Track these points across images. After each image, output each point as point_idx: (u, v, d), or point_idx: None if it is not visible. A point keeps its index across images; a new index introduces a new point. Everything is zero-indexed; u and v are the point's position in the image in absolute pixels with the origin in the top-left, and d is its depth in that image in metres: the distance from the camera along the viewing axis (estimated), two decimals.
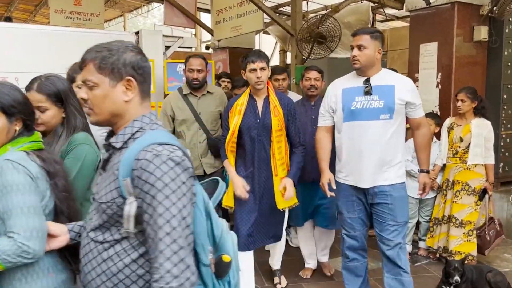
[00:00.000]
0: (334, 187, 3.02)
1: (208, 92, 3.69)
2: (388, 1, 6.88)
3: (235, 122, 3.08)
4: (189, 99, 3.63)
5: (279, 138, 3.10)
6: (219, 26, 7.43)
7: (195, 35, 10.42)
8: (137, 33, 4.88)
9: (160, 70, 4.78)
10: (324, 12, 7.42)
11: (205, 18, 9.10)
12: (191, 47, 6.03)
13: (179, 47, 5.23)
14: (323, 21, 6.01)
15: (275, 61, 10.03)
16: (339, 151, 3.00)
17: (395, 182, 2.85)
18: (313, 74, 3.76)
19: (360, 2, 7.10)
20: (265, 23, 7.05)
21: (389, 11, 8.00)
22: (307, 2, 7.48)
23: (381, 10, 7.35)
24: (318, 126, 3.13)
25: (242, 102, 3.14)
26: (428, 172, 3.02)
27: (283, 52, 9.64)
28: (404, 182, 2.92)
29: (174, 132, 3.69)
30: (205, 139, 3.60)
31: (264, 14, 6.36)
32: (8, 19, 11.19)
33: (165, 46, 5.02)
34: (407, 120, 2.94)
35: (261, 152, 3.11)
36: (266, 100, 3.12)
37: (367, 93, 2.81)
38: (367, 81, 2.83)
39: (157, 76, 4.68)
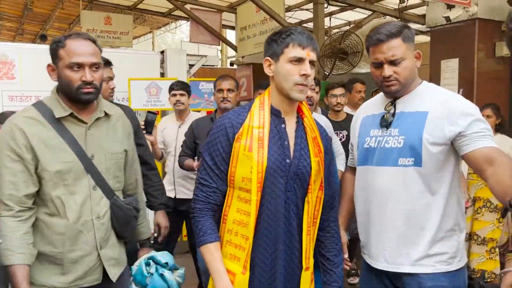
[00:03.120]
0: (345, 255, 2.00)
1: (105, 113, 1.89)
2: (411, 16, 6.90)
3: (258, 161, 1.57)
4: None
5: (317, 195, 1.70)
6: (243, 42, 7.60)
7: (221, 51, 10.65)
8: (162, 52, 5.08)
9: None
10: (347, 27, 7.50)
11: (230, 34, 9.31)
12: (214, 65, 6.19)
13: (203, 65, 5.40)
14: (345, 37, 6.08)
15: None
16: (358, 204, 2.01)
17: (428, 271, 1.75)
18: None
19: (383, 17, 7.13)
20: None
21: (413, 25, 8.00)
22: (330, 18, 7.56)
23: None
24: (347, 165, 2.22)
25: (261, 121, 1.62)
26: None
27: None
28: (455, 272, 1.77)
29: None
30: (107, 208, 1.82)
31: None
32: (43, 37, 11.75)
33: (189, 65, 5.20)
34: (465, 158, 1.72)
35: (284, 227, 1.63)
36: (300, 123, 1.70)
37: (384, 124, 1.84)
38: (390, 105, 1.86)
39: None
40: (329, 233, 1.77)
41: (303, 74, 1.55)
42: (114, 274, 1.82)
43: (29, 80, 4.00)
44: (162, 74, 5.04)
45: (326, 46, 6.20)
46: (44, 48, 4.78)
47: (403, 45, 1.75)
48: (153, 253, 1.98)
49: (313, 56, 1.57)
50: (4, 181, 1.67)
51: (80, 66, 1.71)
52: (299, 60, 1.56)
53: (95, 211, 1.76)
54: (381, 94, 1.96)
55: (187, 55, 5.03)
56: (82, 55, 1.71)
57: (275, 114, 1.65)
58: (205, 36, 7.69)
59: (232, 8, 7.81)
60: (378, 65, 1.78)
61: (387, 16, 7.02)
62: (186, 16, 7.89)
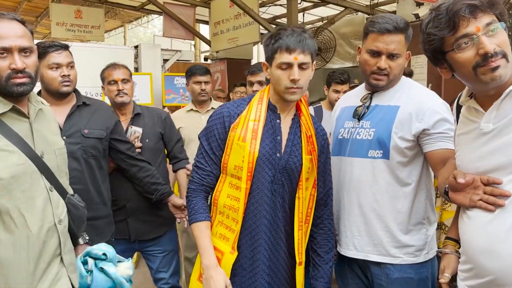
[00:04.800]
0: None
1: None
2: (382, 13, 7.05)
3: (250, 151, 1.65)
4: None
5: (310, 192, 1.77)
6: (217, 37, 7.59)
7: (194, 46, 10.59)
8: (136, 47, 5.03)
9: (158, 83, 4.91)
10: (320, 23, 7.60)
11: (204, 29, 9.28)
12: (189, 60, 6.17)
13: (177, 60, 5.38)
14: (318, 33, 6.17)
15: None
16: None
17: (395, 262, 1.79)
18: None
19: (355, 13, 7.26)
20: (262, 34, 7.21)
21: None
22: (303, 14, 7.64)
23: None
24: None
25: (257, 115, 1.70)
26: None
27: None
28: (422, 263, 1.81)
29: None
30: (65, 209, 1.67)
31: (261, 26, 6.51)
32: None
33: (164, 60, 5.17)
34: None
35: (268, 217, 1.70)
36: (296, 121, 1.76)
37: (356, 116, 1.88)
38: (367, 97, 1.89)
39: (155, 89, 4.82)
40: (322, 230, 1.82)
41: (292, 79, 1.61)
42: (76, 281, 1.62)
43: None
44: (136, 69, 5.01)
45: None
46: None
47: (404, 42, 1.76)
48: (87, 248, 1.74)
49: (302, 58, 1.60)
50: None
51: (7, 51, 1.43)
52: (288, 65, 1.61)
53: (57, 215, 1.56)
54: (362, 86, 1.97)
55: (162, 49, 5.01)
56: (8, 37, 1.42)
57: (272, 109, 1.73)
58: (179, 30, 7.63)
59: (205, 3, 7.78)
60: (376, 54, 1.75)
61: (359, 13, 7.15)
62: (159, 10, 7.81)
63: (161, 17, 8.31)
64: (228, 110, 1.73)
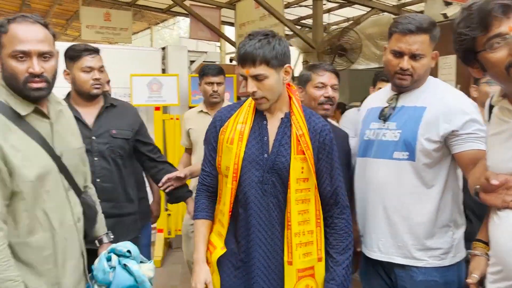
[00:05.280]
0: None
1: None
2: (410, 13, 6.94)
3: (236, 153, 1.69)
4: None
5: (305, 194, 1.70)
6: (242, 39, 7.62)
7: (219, 47, 10.67)
8: (163, 48, 5.11)
9: (185, 84, 4.98)
10: (346, 24, 7.54)
11: (229, 31, 9.33)
12: (215, 61, 6.22)
13: (204, 61, 5.44)
14: (344, 34, 6.13)
15: (298, 72, 10.14)
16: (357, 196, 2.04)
17: (419, 265, 1.77)
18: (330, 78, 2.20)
19: (381, 14, 7.17)
20: (287, 35, 7.21)
21: None
22: (329, 15, 7.60)
23: None
24: None
25: (245, 118, 1.74)
26: None
27: (306, 63, 9.77)
28: (448, 267, 1.78)
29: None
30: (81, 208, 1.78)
31: (286, 27, 6.52)
32: None
33: (190, 61, 5.23)
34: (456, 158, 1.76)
35: (262, 216, 1.71)
36: (286, 121, 1.73)
37: (382, 117, 1.85)
38: (393, 98, 1.87)
39: (181, 90, 4.88)
40: (334, 230, 1.77)
41: (249, 92, 1.66)
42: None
43: None
44: (163, 71, 5.08)
45: (325, 42, 6.25)
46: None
47: (429, 42, 1.74)
48: (112, 245, 1.79)
49: (253, 71, 1.60)
50: None
51: (26, 55, 1.45)
52: (244, 78, 1.66)
53: (75, 214, 1.63)
54: (388, 86, 1.97)
55: (188, 51, 5.07)
56: (28, 42, 1.44)
57: (260, 112, 1.75)
58: (205, 32, 7.71)
59: (231, 5, 7.83)
60: (398, 54, 1.76)
61: (385, 13, 7.06)
62: (185, 12, 7.91)
63: (187, 19, 8.41)
64: (220, 114, 1.81)
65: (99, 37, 8.23)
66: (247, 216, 1.71)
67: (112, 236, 1.94)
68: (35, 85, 1.47)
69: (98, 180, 2.20)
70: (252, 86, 1.63)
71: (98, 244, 1.91)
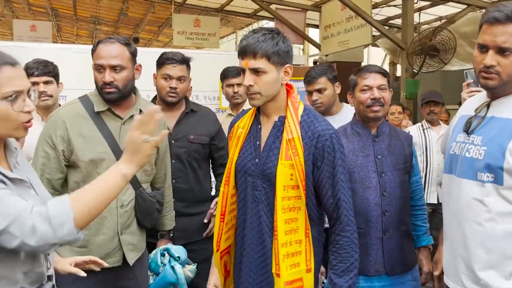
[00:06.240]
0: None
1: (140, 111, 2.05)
2: None
3: (230, 157, 1.71)
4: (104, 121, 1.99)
5: (293, 202, 1.57)
6: (327, 41, 7.56)
7: (302, 50, 10.67)
8: None
9: None
10: (438, 23, 7.16)
11: (313, 33, 9.30)
12: (300, 64, 6.22)
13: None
14: (436, 33, 5.83)
15: None
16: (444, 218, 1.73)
17: None
18: (375, 79, 2.03)
19: (479, 11, 6.71)
20: (374, 36, 7.01)
21: None
22: (419, 14, 7.27)
23: None
24: None
25: (244, 123, 1.71)
26: None
27: (392, 64, 9.44)
28: None
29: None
30: (132, 198, 1.98)
31: (373, 28, 6.34)
32: (136, 40, 12.56)
33: None
34: None
35: (253, 222, 1.65)
36: (279, 125, 1.63)
37: (466, 130, 1.56)
38: (480, 107, 1.56)
39: None
40: (334, 248, 1.61)
41: (244, 85, 1.56)
42: (131, 258, 1.96)
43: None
44: None
45: (415, 43, 5.98)
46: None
47: None
48: (169, 245, 2.11)
49: (253, 63, 1.51)
50: (38, 163, 1.85)
51: (103, 67, 1.87)
52: (243, 70, 1.56)
53: (120, 200, 1.90)
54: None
55: None
56: (104, 58, 1.86)
57: (257, 115, 1.69)
58: (289, 35, 7.68)
59: (316, 7, 7.80)
60: (483, 48, 1.46)
61: (483, 10, 6.60)
62: (270, 16, 8.01)
63: (271, 22, 8.52)
64: (232, 120, 1.81)
65: (189, 43, 8.62)
66: (241, 225, 1.68)
67: (171, 235, 2.24)
68: (106, 90, 1.88)
69: (173, 181, 2.31)
70: (249, 79, 1.53)
71: (159, 237, 2.22)
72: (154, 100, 2.50)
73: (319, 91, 2.56)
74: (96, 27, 15.53)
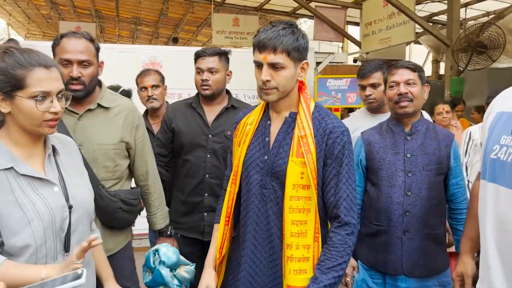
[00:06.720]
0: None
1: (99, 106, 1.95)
2: None
3: (238, 156, 1.63)
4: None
5: (303, 203, 1.51)
6: (368, 38, 7.41)
7: (341, 47, 10.53)
8: None
9: (311, 85, 4.99)
10: (485, 18, 6.89)
11: (352, 30, 9.15)
12: (341, 62, 6.15)
13: (330, 62, 5.40)
14: (484, 29, 5.60)
15: (427, 72, 9.56)
16: (480, 229, 1.43)
17: None
18: (402, 75, 1.99)
19: None
20: (416, 33, 6.82)
21: None
22: (465, 9, 7.01)
23: None
24: (478, 171, 1.65)
25: (252, 120, 1.65)
26: None
27: (436, 62, 9.17)
28: None
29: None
30: None
31: (416, 24, 6.17)
32: (175, 40, 12.78)
33: (316, 62, 5.23)
34: None
35: (261, 222, 1.58)
36: (290, 121, 1.57)
37: None
38: None
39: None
40: (326, 244, 1.51)
41: (261, 80, 1.49)
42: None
43: (174, 79, 4.13)
44: None
45: (461, 39, 5.77)
46: (187, 50, 5.04)
47: None
48: (161, 246, 1.99)
49: (272, 58, 1.46)
50: None
51: (69, 62, 1.79)
52: (259, 64, 1.50)
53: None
54: None
55: (315, 52, 5.07)
56: (71, 52, 1.78)
57: (267, 111, 1.63)
58: (329, 33, 7.67)
59: (357, 4, 7.67)
60: None
61: None
62: (309, 14, 7.95)
63: (308, 21, 8.44)
64: (238, 117, 1.74)
65: (228, 42, 8.67)
66: (246, 224, 1.59)
67: (169, 232, 2.15)
68: (73, 87, 1.79)
69: (207, 176, 2.30)
70: (266, 74, 1.47)
71: (157, 235, 2.16)
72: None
73: (373, 86, 2.45)
74: (137, 28, 15.91)
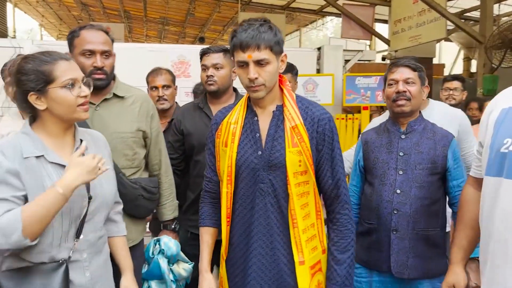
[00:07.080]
0: None
1: (115, 95, 2.01)
2: None
3: (229, 155, 1.63)
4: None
5: (304, 187, 1.60)
6: (397, 36, 7.28)
7: (369, 45, 10.39)
8: (318, 48, 5.15)
9: (339, 83, 4.95)
10: None
11: (380, 28, 9.03)
12: (370, 60, 6.08)
13: (359, 60, 5.35)
14: None
15: (457, 69, 9.35)
16: (482, 229, 1.44)
17: None
18: (402, 73, 2.01)
19: None
20: (447, 30, 6.67)
21: None
22: (499, 5, 6.82)
23: None
24: (469, 175, 1.67)
25: (236, 118, 1.66)
26: None
27: (467, 60, 8.95)
28: None
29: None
30: None
31: (447, 21, 6.03)
32: (202, 39, 12.88)
33: (345, 60, 5.18)
34: None
35: (260, 216, 1.61)
36: (278, 114, 1.63)
37: None
38: None
39: (336, 90, 4.86)
40: (335, 226, 1.65)
41: (249, 78, 1.54)
42: None
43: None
44: (318, 70, 5.13)
45: (495, 36, 5.62)
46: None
47: None
48: (163, 237, 2.01)
49: (257, 55, 1.51)
50: None
51: (92, 53, 1.85)
52: (244, 64, 1.54)
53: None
54: None
55: (343, 50, 5.03)
56: (93, 43, 1.85)
57: (250, 108, 1.66)
58: (356, 31, 7.57)
59: (386, 1, 7.55)
60: None
61: None
62: (337, 12, 7.87)
63: (335, 19, 8.37)
64: (216, 117, 1.75)
65: None
66: (245, 222, 1.63)
67: (173, 227, 2.14)
68: (97, 76, 1.84)
69: None
70: (254, 72, 1.52)
71: (161, 228, 2.14)
72: (204, 96, 2.46)
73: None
74: (164, 28, 16.12)
